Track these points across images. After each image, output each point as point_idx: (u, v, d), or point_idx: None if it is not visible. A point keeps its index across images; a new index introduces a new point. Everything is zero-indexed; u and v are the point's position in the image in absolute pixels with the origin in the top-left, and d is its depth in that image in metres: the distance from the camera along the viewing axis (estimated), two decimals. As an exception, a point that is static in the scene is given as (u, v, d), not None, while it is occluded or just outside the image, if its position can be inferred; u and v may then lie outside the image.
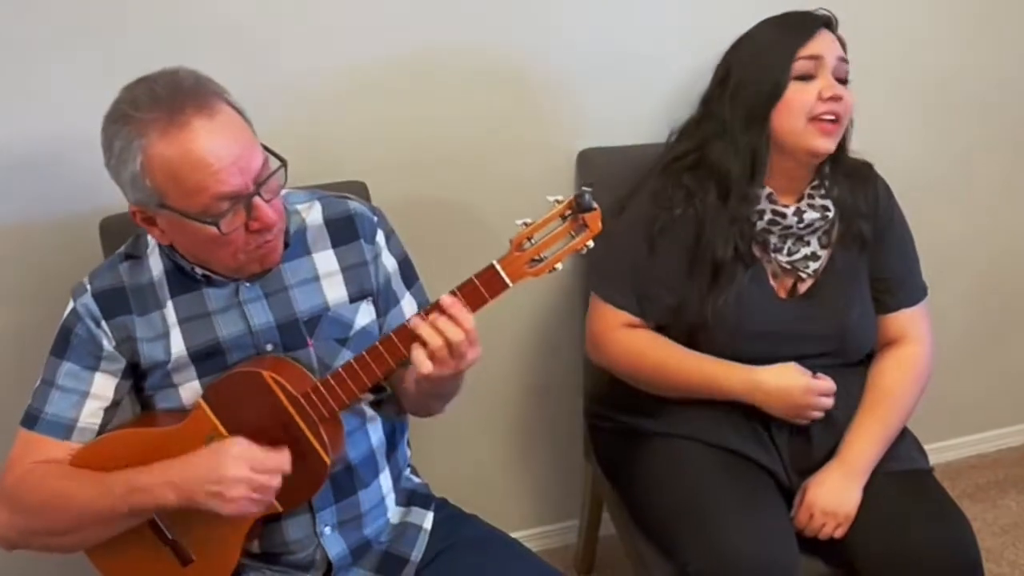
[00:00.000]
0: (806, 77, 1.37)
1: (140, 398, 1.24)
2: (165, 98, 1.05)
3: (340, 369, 1.15)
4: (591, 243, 1.11)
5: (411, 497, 1.37)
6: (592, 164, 1.69)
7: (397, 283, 1.30)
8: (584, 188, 1.09)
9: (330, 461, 1.17)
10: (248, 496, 1.09)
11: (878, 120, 1.84)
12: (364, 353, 1.14)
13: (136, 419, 1.23)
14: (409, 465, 1.43)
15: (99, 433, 1.19)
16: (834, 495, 1.35)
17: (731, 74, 1.43)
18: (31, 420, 1.18)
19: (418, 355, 1.10)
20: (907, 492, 1.38)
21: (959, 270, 2.08)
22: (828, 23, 1.41)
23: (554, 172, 1.72)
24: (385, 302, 1.29)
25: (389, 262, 1.29)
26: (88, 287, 1.19)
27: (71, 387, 1.18)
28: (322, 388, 1.15)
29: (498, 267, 1.11)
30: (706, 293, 1.40)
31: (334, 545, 1.26)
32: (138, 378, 1.21)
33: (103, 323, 1.18)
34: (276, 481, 1.11)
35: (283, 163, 1.11)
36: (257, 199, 1.08)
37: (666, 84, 1.69)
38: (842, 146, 1.43)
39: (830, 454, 1.41)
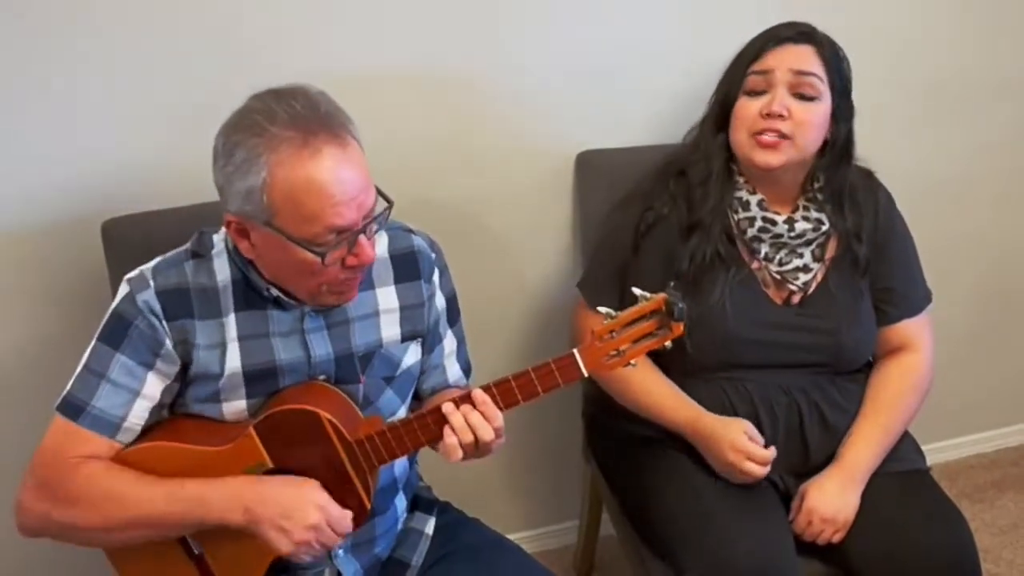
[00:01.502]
0: (756, 92, 1.38)
1: (173, 401, 1.20)
2: (303, 118, 1.03)
3: (398, 425, 1.14)
4: (670, 344, 1.13)
5: (415, 502, 1.38)
6: (591, 166, 1.69)
7: (443, 322, 1.31)
8: (673, 293, 1.10)
9: (371, 507, 1.17)
10: (311, 544, 1.10)
11: (877, 123, 1.84)
12: (414, 420, 1.14)
13: (167, 426, 1.19)
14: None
15: (140, 434, 1.16)
16: (833, 501, 1.35)
17: (718, 83, 1.45)
18: (75, 411, 1.13)
19: (450, 443, 1.12)
20: (905, 493, 1.38)
21: (958, 271, 2.09)
22: (802, 37, 1.38)
23: (553, 174, 1.72)
24: (431, 341, 1.29)
25: (440, 302, 1.29)
26: (152, 282, 1.14)
27: (123, 383, 1.13)
28: (377, 438, 1.14)
29: (577, 356, 1.13)
30: (687, 300, 1.40)
31: (347, 566, 1.25)
32: (183, 383, 1.18)
33: (164, 322, 1.13)
34: (340, 539, 1.12)
35: (390, 204, 1.11)
36: (362, 237, 1.08)
37: (665, 86, 1.69)
38: (831, 161, 1.41)
39: (827, 460, 1.41)
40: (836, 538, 1.35)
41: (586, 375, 1.13)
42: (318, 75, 1.50)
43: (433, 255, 1.28)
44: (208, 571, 1.20)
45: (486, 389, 1.13)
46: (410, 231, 1.28)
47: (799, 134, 1.36)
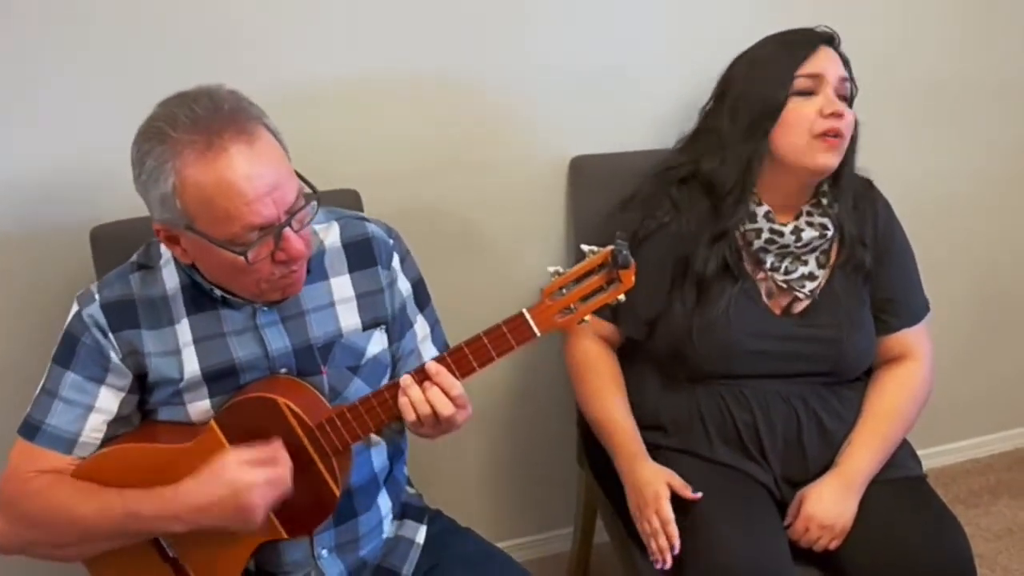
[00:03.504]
0: (806, 93, 1.37)
1: (142, 409, 1.20)
2: (204, 119, 1.02)
3: (357, 403, 1.14)
4: (622, 297, 1.11)
5: (405, 510, 1.37)
6: (584, 171, 1.69)
7: (411, 307, 1.30)
8: (620, 243, 1.09)
9: (339, 493, 1.16)
10: (271, 504, 1.10)
11: (875, 127, 1.84)
12: (372, 397, 1.14)
13: (137, 431, 1.20)
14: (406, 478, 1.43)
15: (104, 443, 1.16)
16: (831, 508, 1.34)
17: (731, 89, 1.44)
18: (31, 431, 1.15)
19: (401, 402, 1.12)
20: (901, 499, 1.38)
21: (953, 276, 2.09)
22: (830, 40, 1.41)
23: (546, 179, 1.72)
24: (400, 327, 1.28)
25: (404, 286, 1.28)
26: (96, 296, 1.16)
27: (75, 399, 1.14)
28: (337, 420, 1.14)
29: (527, 316, 1.12)
30: (690, 309, 1.40)
31: (331, 567, 1.25)
32: (144, 391, 1.18)
33: (110, 335, 1.14)
34: (285, 470, 1.11)
35: (315, 194, 1.10)
36: (287, 230, 1.06)
37: (659, 92, 1.69)
38: (844, 164, 1.42)
39: (825, 468, 1.40)
40: (833, 545, 1.35)
41: (538, 334, 1.12)
42: (315, 79, 1.52)
43: (391, 241, 1.27)
44: (184, 573, 1.20)
45: (440, 359, 1.13)
46: (364, 219, 1.28)
47: (848, 134, 1.38)
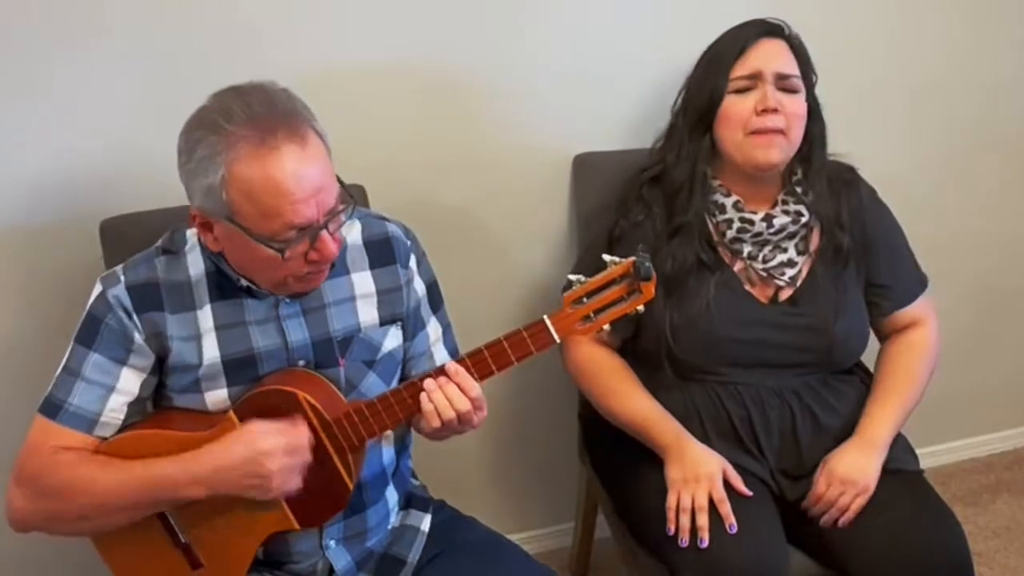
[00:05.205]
0: (743, 90, 1.39)
1: (158, 396, 1.22)
2: (259, 116, 1.04)
3: (375, 401, 1.16)
4: (641, 308, 1.13)
5: (410, 500, 1.38)
6: (588, 168, 1.70)
7: (424, 308, 1.32)
8: (642, 255, 1.11)
9: (353, 487, 1.18)
10: (290, 478, 1.12)
11: (872, 123, 1.86)
12: (390, 395, 1.16)
13: (153, 417, 1.21)
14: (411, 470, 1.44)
15: (121, 428, 1.18)
16: (854, 466, 1.36)
17: (689, 86, 1.48)
18: (53, 409, 1.16)
19: (427, 409, 1.14)
20: (899, 494, 1.38)
21: (949, 275, 2.08)
22: (775, 32, 1.41)
23: (550, 176, 1.73)
24: (413, 326, 1.30)
25: (419, 287, 1.30)
26: (122, 278, 1.17)
27: (97, 380, 1.15)
28: (355, 416, 1.15)
29: (548, 322, 1.14)
30: (666, 305, 1.41)
31: (339, 558, 1.27)
32: (163, 374, 1.19)
33: (134, 316, 1.15)
34: (307, 455, 1.13)
35: (352, 199, 1.12)
36: (324, 232, 1.08)
37: (663, 88, 1.69)
38: (810, 153, 1.44)
39: (819, 462, 1.40)
40: (856, 503, 1.35)
41: (558, 341, 1.14)
42: (319, 73, 1.53)
43: (408, 242, 1.29)
44: (195, 559, 1.21)
45: (460, 361, 1.15)
46: (384, 219, 1.30)
47: (792, 127, 1.39)
